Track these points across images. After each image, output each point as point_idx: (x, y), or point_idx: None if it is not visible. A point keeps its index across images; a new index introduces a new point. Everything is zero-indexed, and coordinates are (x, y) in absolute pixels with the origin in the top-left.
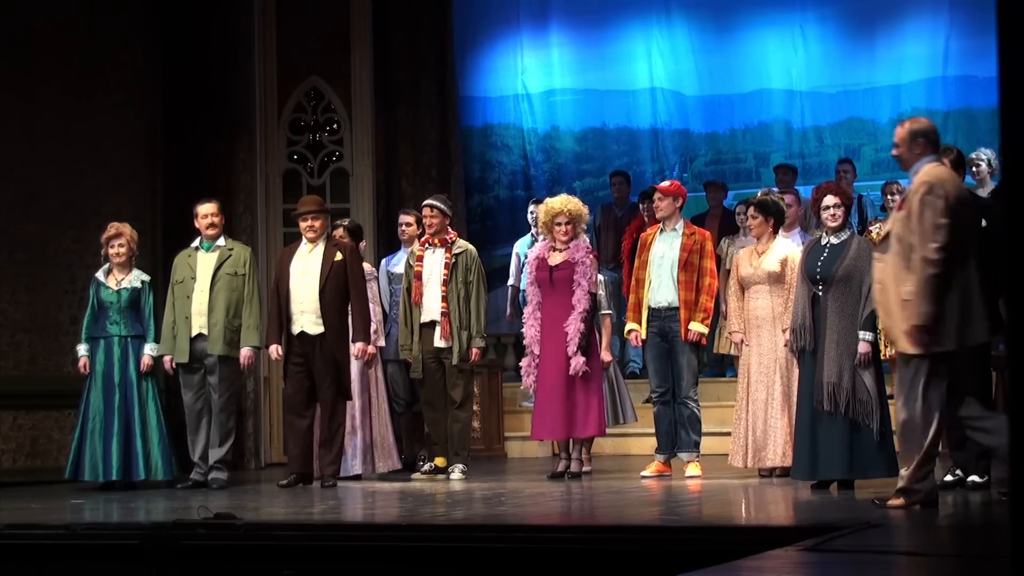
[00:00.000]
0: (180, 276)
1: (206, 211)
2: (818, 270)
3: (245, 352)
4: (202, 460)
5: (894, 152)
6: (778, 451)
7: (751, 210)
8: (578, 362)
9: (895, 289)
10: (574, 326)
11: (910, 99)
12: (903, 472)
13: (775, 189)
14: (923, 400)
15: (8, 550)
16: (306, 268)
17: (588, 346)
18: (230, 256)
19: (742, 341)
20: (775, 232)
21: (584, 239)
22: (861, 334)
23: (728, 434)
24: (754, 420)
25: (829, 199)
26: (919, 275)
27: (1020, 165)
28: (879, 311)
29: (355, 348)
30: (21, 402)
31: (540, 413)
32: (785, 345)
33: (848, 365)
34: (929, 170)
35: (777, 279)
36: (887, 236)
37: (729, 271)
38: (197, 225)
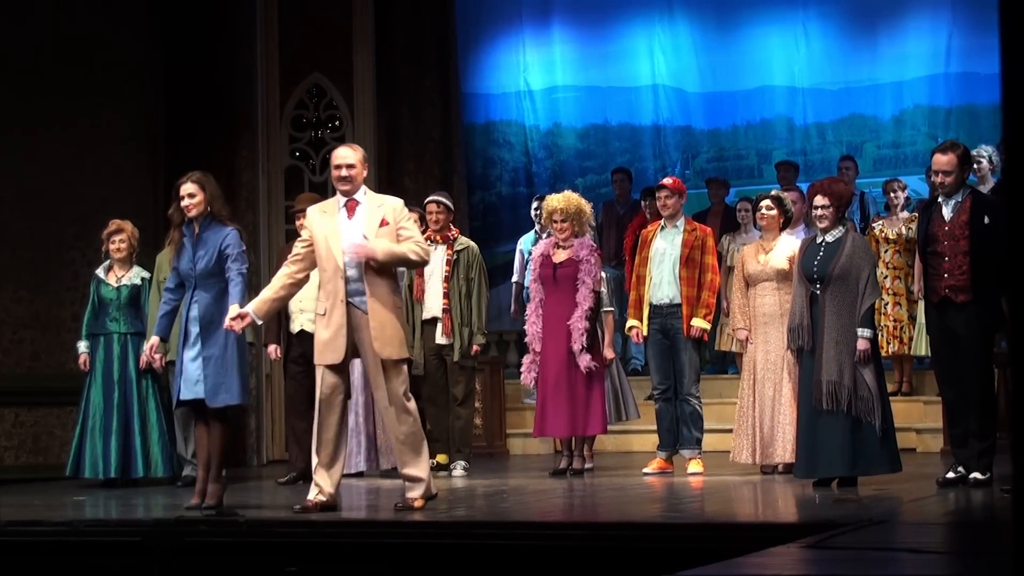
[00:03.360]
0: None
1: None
2: (815, 269)
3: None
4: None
5: (346, 172)
6: (787, 448)
7: (768, 202)
8: (585, 359)
9: (391, 300)
10: (578, 324)
11: (912, 96)
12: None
13: (778, 188)
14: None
15: (10, 547)
16: None
17: (592, 343)
18: None
19: (747, 338)
20: (781, 230)
21: (588, 237)
22: (860, 331)
23: (730, 431)
24: (761, 417)
25: (817, 199)
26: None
27: (1022, 162)
28: (371, 324)
29: None
30: (23, 399)
31: (543, 411)
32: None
33: (848, 363)
34: (373, 193)
35: (785, 276)
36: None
37: (731, 268)
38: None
